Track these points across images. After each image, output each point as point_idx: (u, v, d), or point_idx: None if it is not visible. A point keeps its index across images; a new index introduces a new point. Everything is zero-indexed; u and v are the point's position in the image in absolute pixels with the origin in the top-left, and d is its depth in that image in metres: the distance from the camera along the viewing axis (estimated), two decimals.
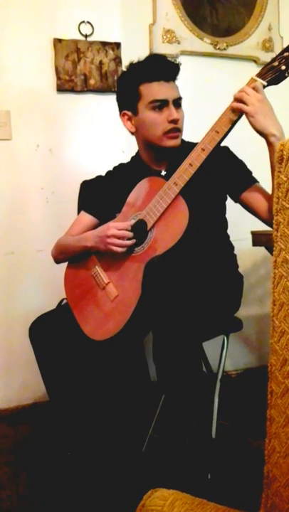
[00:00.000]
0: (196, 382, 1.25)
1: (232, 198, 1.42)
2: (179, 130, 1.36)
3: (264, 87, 1.18)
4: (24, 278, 1.98)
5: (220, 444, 1.43)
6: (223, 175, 1.38)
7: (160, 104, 1.33)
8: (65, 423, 1.46)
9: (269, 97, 1.19)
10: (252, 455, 1.46)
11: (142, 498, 0.63)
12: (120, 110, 1.42)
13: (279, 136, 1.16)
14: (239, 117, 1.20)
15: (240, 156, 1.44)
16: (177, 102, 1.35)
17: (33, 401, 1.98)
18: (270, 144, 1.19)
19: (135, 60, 1.38)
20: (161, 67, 1.33)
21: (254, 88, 1.17)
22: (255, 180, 1.39)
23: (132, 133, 1.44)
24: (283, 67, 1.14)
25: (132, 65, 1.38)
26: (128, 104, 1.38)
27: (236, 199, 1.40)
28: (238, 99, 1.19)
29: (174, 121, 1.33)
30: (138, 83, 1.34)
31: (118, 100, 1.43)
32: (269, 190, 1.32)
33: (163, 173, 1.42)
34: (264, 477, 0.61)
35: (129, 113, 1.39)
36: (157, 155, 1.42)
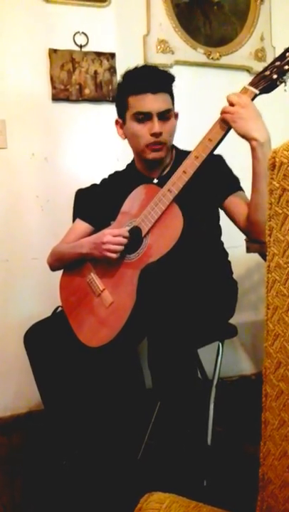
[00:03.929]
0: (192, 389, 1.26)
1: (218, 205, 1.43)
2: (162, 143, 1.36)
3: (256, 95, 1.19)
4: (19, 285, 1.97)
5: (216, 450, 1.43)
6: (212, 183, 1.39)
7: (143, 117, 1.33)
8: (60, 431, 1.46)
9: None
10: (248, 461, 1.46)
11: (138, 502, 0.63)
12: (117, 117, 1.45)
13: (262, 141, 1.16)
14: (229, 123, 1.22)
15: (235, 165, 1.46)
16: (163, 115, 1.34)
17: (27, 410, 1.97)
18: (252, 149, 1.19)
19: (131, 67, 1.38)
20: (148, 80, 1.33)
21: (238, 96, 1.19)
22: (238, 188, 1.40)
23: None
24: (275, 76, 1.16)
25: (124, 74, 1.39)
26: (119, 112, 1.42)
27: (220, 206, 1.42)
28: (222, 112, 1.21)
29: (156, 135, 1.34)
30: (127, 94, 1.35)
31: (116, 107, 1.45)
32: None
33: (155, 180, 1.43)
34: (259, 480, 0.61)
35: (121, 121, 1.42)
36: (147, 164, 1.44)
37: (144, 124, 1.34)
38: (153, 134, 1.33)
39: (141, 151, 1.38)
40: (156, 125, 1.33)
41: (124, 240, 1.30)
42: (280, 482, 0.57)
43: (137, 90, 1.33)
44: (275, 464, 0.59)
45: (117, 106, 1.43)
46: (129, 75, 1.37)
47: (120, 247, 1.30)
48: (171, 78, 1.37)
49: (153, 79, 1.34)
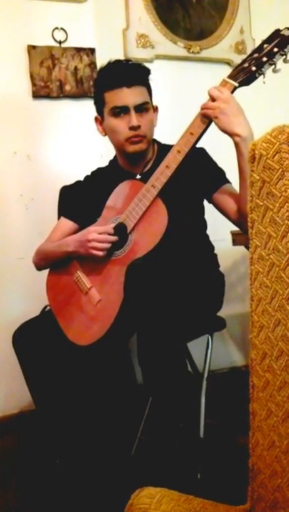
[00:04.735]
0: (182, 383, 1.26)
1: (206, 199, 1.44)
2: (141, 136, 1.35)
3: (235, 88, 1.19)
4: (6, 286, 1.96)
5: (208, 443, 1.44)
6: (198, 176, 1.39)
7: (120, 111, 1.33)
8: (53, 430, 1.45)
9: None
10: (240, 452, 1.48)
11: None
12: (96, 114, 1.44)
13: (244, 136, 1.17)
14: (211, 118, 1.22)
15: (219, 157, 1.46)
16: (141, 107, 1.34)
17: (19, 410, 1.96)
18: (235, 144, 1.20)
19: (104, 64, 1.38)
20: (121, 74, 1.33)
21: (220, 90, 1.18)
22: (226, 181, 1.41)
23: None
24: (254, 68, 1.16)
25: (99, 71, 1.39)
26: (98, 109, 1.41)
27: (209, 200, 1.42)
28: (204, 107, 1.21)
29: (134, 128, 1.33)
30: (103, 90, 1.35)
31: (94, 104, 1.44)
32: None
33: (138, 176, 1.43)
34: (249, 470, 0.62)
35: (100, 118, 1.42)
36: (128, 159, 1.43)
37: (122, 118, 1.34)
38: (131, 128, 1.33)
39: (121, 146, 1.38)
40: (133, 118, 1.32)
41: (110, 237, 1.30)
42: (269, 472, 0.58)
43: (112, 85, 1.32)
44: (264, 454, 0.60)
45: (95, 103, 1.42)
46: (103, 71, 1.37)
47: (106, 245, 1.30)
48: (146, 71, 1.37)
49: (127, 73, 1.34)
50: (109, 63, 1.37)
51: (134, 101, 1.32)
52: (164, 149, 1.33)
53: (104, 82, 1.34)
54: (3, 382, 1.95)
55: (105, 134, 1.43)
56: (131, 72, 1.34)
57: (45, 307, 1.52)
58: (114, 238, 1.30)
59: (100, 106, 1.39)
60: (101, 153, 1.92)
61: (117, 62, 1.39)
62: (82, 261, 1.40)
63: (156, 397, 1.34)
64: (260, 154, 0.56)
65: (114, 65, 1.37)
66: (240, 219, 1.33)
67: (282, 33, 1.14)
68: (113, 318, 1.26)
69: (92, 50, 1.98)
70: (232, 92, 1.19)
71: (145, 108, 1.35)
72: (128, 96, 1.32)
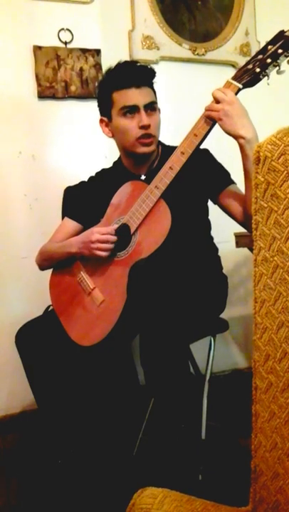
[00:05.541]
0: (184, 384, 1.26)
1: (212, 200, 1.44)
2: (152, 136, 1.36)
3: (240, 89, 1.19)
4: (9, 285, 1.96)
5: (210, 444, 1.44)
6: (202, 177, 1.39)
7: (130, 110, 1.34)
8: (55, 430, 1.46)
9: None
10: (242, 454, 1.47)
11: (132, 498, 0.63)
12: (100, 116, 1.44)
13: (249, 138, 1.17)
14: (215, 120, 1.22)
15: (220, 158, 1.46)
16: (150, 107, 1.35)
17: (21, 409, 1.97)
18: (240, 146, 1.20)
19: (112, 66, 1.39)
20: (131, 74, 1.34)
21: (224, 92, 1.19)
22: (231, 182, 1.40)
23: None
24: (258, 70, 1.16)
25: (106, 72, 1.40)
26: (104, 110, 1.41)
27: (215, 201, 1.42)
28: (208, 109, 1.21)
29: (145, 127, 1.34)
30: (111, 91, 1.36)
31: (98, 106, 1.45)
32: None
33: (143, 177, 1.43)
34: (251, 472, 0.62)
35: (106, 119, 1.42)
36: (135, 160, 1.43)
37: (133, 118, 1.34)
38: (142, 127, 1.33)
39: (131, 146, 1.38)
40: (144, 117, 1.33)
41: (113, 238, 1.30)
42: (272, 474, 0.58)
43: (121, 85, 1.33)
44: (266, 455, 0.60)
45: (100, 104, 1.43)
46: (111, 72, 1.38)
47: (110, 246, 1.30)
48: (153, 73, 1.38)
49: (136, 73, 1.35)
50: (117, 64, 1.38)
51: (143, 100, 1.34)
52: (168, 150, 1.34)
53: (113, 82, 1.35)
54: (5, 381, 1.95)
55: (112, 136, 1.43)
56: (140, 73, 1.35)
57: (48, 307, 1.52)
58: (115, 238, 1.30)
59: (106, 107, 1.39)
60: (105, 154, 1.93)
61: (126, 63, 1.40)
62: (85, 261, 1.40)
63: (158, 397, 1.34)
64: (264, 156, 0.56)
65: (123, 66, 1.38)
66: (246, 220, 1.33)
67: (286, 34, 1.14)
68: (116, 318, 1.26)
69: (97, 51, 1.98)
70: (236, 93, 1.19)
71: (153, 108, 1.37)
72: (138, 95, 1.33)
